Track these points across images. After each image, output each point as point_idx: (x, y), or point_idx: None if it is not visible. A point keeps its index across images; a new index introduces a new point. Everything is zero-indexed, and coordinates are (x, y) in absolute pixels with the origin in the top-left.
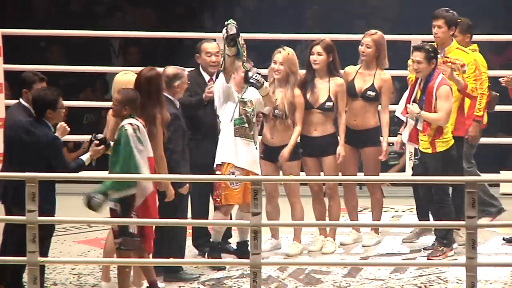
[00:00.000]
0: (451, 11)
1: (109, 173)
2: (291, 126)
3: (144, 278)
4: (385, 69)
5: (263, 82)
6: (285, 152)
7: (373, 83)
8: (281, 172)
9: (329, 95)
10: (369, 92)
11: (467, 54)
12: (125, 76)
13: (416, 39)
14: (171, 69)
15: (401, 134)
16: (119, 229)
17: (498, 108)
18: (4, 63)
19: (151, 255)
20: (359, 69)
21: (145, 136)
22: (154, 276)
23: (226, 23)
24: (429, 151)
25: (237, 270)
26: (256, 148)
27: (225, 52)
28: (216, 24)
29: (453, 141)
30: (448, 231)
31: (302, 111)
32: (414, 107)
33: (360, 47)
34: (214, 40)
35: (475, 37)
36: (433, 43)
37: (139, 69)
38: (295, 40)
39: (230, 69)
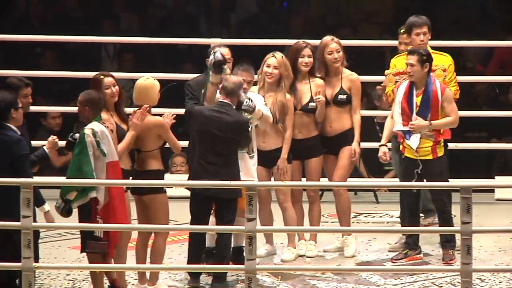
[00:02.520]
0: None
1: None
2: (281, 130)
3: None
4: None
5: (255, 107)
6: (281, 162)
7: (341, 87)
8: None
9: (311, 96)
10: (341, 96)
11: (445, 57)
12: (148, 81)
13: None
14: (235, 79)
15: (385, 146)
16: (82, 233)
17: (492, 114)
18: None
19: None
20: (324, 78)
21: (108, 140)
22: (115, 275)
23: (214, 49)
24: (430, 157)
25: (232, 275)
26: (252, 156)
27: (209, 79)
28: (212, 29)
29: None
30: (452, 234)
31: (292, 115)
32: (421, 121)
33: (328, 56)
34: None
35: (443, 43)
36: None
37: (136, 75)
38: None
39: (212, 98)
